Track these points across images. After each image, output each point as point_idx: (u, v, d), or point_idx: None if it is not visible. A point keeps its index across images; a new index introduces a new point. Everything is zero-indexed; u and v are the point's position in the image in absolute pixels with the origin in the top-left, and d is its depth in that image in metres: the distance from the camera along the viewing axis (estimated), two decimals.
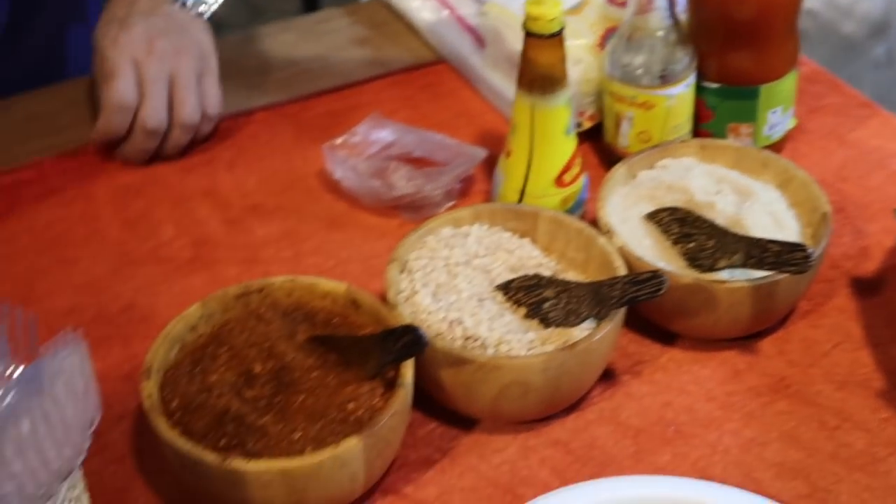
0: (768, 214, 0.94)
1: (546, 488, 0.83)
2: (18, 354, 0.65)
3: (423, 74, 1.29)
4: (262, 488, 0.76)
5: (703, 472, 0.86)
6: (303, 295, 0.89)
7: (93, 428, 0.63)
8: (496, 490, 0.86)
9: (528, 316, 0.88)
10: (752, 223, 0.93)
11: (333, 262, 1.05)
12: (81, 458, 0.62)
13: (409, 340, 0.78)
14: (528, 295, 0.89)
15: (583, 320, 0.87)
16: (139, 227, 1.10)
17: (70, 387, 0.60)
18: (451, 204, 1.08)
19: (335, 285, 0.88)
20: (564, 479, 0.86)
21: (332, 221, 1.10)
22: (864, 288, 1.02)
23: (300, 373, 0.82)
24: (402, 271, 0.91)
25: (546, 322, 0.88)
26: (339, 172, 1.09)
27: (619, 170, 1.00)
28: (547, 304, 0.88)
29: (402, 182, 1.06)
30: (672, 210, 0.94)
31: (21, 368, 0.63)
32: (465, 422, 0.90)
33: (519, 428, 0.90)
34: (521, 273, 0.91)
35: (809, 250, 0.85)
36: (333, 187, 1.13)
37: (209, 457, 0.75)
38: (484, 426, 0.90)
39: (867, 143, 1.17)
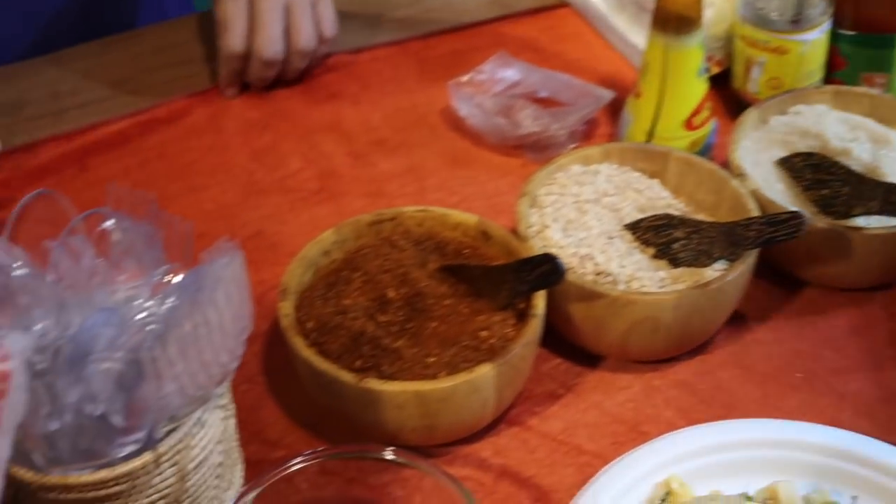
0: None
1: (670, 427, 0.84)
2: (176, 261, 0.67)
3: (546, 17, 1.28)
4: (396, 409, 0.77)
5: (831, 421, 0.85)
6: (434, 225, 0.90)
7: (246, 335, 0.65)
8: (620, 426, 0.86)
9: (658, 256, 0.88)
10: (889, 171, 0.92)
11: (457, 199, 1.06)
12: (236, 364, 0.64)
13: (547, 270, 0.78)
14: (657, 234, 0.89)
15: (714, 261, 0.86)
16: (266, 159, 1.12)
17: (228, 294, 0.62)
18: (574, 145, 1.08)
19: (466, 217, 0.89)
20: (689, 419, 0.86)
21: (456, 158, 1.11)
22: None
23: (433, 300, 0.83)
24: (532, 206, 0.91)
25: (675, 262, 0.88)
26: (465, 110, 1.10)
27: (751, 114, 0.99)
28: (677, 245, 0.88)
29: (529, 121, 1.06)
30: (806, 155, 0.93)
31: (181, 274, 0.65)
32: (590, 359, 0.91)
33: (644, 367, 0.90)
34: (650, 213, 0.91)
35: None
36: (457, 124, 1.14)
37: (346, 376, 0.77)
38: (608, 364, 0.91)
39: None
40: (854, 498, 0.78)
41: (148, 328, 0.62)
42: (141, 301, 0.64)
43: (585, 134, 1.11)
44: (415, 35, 1.26)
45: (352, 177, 1.10)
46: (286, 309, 0.82)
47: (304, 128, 1.16)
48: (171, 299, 0.64)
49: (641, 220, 0.90)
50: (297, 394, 0.88)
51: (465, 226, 0.89)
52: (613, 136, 1.09)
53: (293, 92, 1.19)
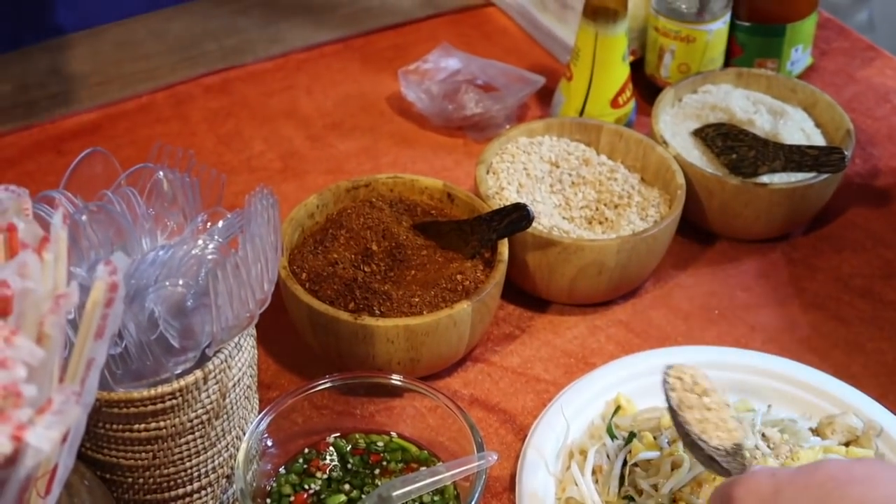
0: (800, 131, 1.09)
1: (613, 358, 0.98)
2: (210, 207, 0.77)
3: (474, 15, 1.42)
4: (387, 343, 0.89)
5: (745, 347, 1.01)
6: (403, 190, 1.02)
7: (278, 267, 0.76)
8: (570, 359, 1.00)
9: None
10: (786, 138, 1.08)
11: (410, 174, 1.18)
12: (271, 293, 0.75)
13: (517, 217, 0.91)
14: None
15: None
16: (232, 143, 1.23)
17: (267, 230, 0.73)
18: (508, 126, 1.21)
19: (433, 182, 1.02)
20: (628, 351, 1.00)
21: (404, 139, 1.24)
22: (873, 200, 1.17)
23: (412, 251, 0.96)
24: (487, 172, 1.05)
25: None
26: (412, 95, 1.23)
27: (669, 93, 1.14)
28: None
29: (472, 104, 1.19)
30: (717, 126, 1.09)
31: (219, 219, 0.76)
32: (540, 304, 1.04)
33: (587, 310, 1.04)
34: (588, 176, 1.05)
35: (845, 152, 1.00)
36: (402, 110, 1.26)
37: (344, 315, 0.89)
38: (556, 308, 1.04)
39: (872, 81, 1.32)
40: (769, 406, 0.93)
41: (207, 257, 0.72)
42: (189, 242, 0.74)
43: (519, 116, 1.25)
44: (357, 32, 1.38)
45: (312, 157, 1.22)
46: (282, 262, 0.93)
47: (263, 115, 1.27)
48: (219, 237, 0.75)
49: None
50: (285, 343, 0.99)
51: (432, 189, 1.02)
52: (544, 117, 1.22)
53: (250, 85, 1.30)
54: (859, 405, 0.92)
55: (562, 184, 1.05)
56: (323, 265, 0.95)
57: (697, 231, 1.12)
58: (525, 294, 1.04)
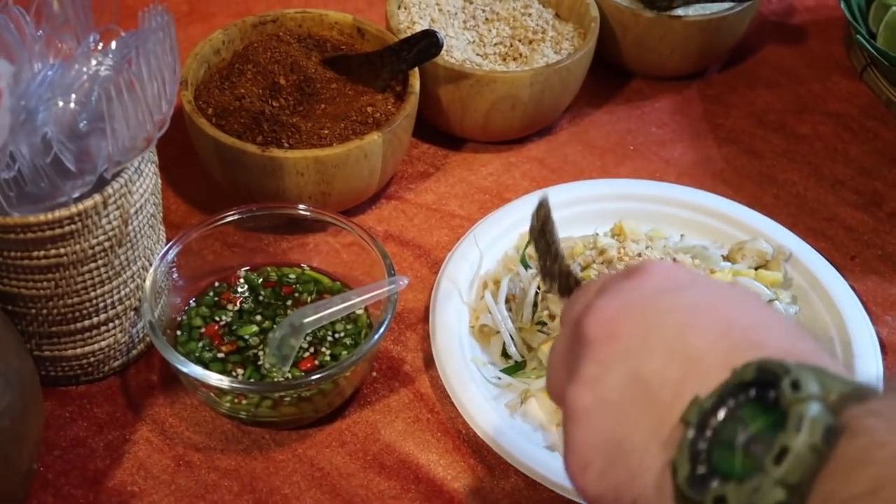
0: None
1: (527, 193, 0.97)
2: (104, 25, 0.74)
3: None
4: (297, 176, 0.87)
5: (660, 180, 1.01)
6: (312, 25, 0.99)
7: (178, 87, 0.73)
8: (485, 195, 0.99)
9: None
10: None
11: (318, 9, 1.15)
12: (170, 113, 0.73)
13: (427, 44, 0.89)
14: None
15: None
16: None
17: (163, 49, 0.70)
18: None
19: (342, 16, 0.99)
20: (543, 186, 0.99)
21: None
22: (788, 38, 1.17)
23: (321, 84, 0.93)
24: (398, 7, 1.02)
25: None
26: None
27: None
28: None
29: None
30: None
31: (113, 39, 0.73)
32: (454, 142, 1.03)
33: (501, 147, 1.03)
34: (501, 10, 1.03)
35: None
36: None
37: (251, 148, 0.87)
38: (471, 146, 1.03)
39: None
40: (682, 235, 0.94)
41: (100, 76, 0.70)
42: (80, 61, 0.71)
43: None
44: None
45: (219, 0, 1.18)
46: (188, 97, 0.91)
47: None
48: (113, 57, 0.72)
49: None
50: (193, 182, 0.97)
51: (342, 24, 0.99)
52: None
53: None
54: (769, 232, 0.93)
55: (475, 20, 1.03)
56: (230, 100, 0.92)
57: (613, 69, 1.11)
58: (439, 132, 1.03)
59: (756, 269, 0.90)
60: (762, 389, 0.46)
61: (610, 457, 0.50)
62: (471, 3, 1.04)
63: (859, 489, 0.41)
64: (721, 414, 0.46)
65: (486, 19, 1.03)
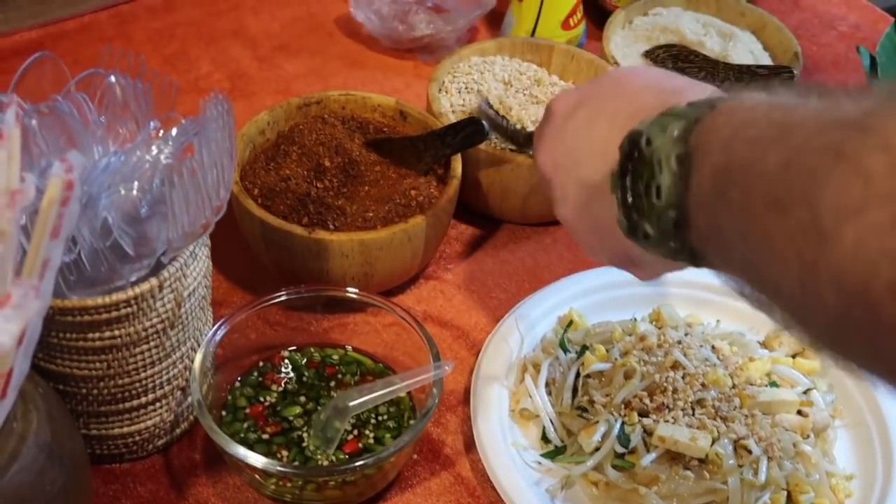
0: (749, 53, 1.10)
1: (564, 275, 0.98)
2: (162, 113, 0.76)
3: None
4: (342, 257, 0.89)
5: None
6: (355, 108, 1.01)
7: (234, 176, 0.75)
8: (523, 276, 1.01)
9: None
10: (736, 59, 1.09)
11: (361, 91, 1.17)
12: (226, 201, 0.74)
13: (472, 131, 0.91)
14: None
15: None
16: (178, 63, 1.21)
17: (223, 136, 0.72)
18: (457, 48, 1.21)
19: (384, 99, 1.01)
20: (580, 269, 1.00)
21: (354, 61, 1.22)
22: None
23: (365, 166, 0.95)
24: (439, 91, 1.04)
25: None
26: (362, 16, 1.21)
27: (620, 15, 1.14)
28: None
29: (423, 24, 1.18)
30: (667, 47, 1.09)
31: (173, 126, 0.75)
32: (492, 223, 1.05)
33: (539, 230, 1.05)
34: (540, 95, 1.05)
35: (794, 69, 1.01)
36: (351, 31, 1.25)
37: (297, 229, 0.88)
38: (509, 228, 1.05)
39: (818, 8, 1.33)
40: (718, 321, 0.95)
41: (161, 163, 0.71)
42: (142, 148, 0.73)
43: (469, 38, 1.24)
44: None
45: (260, 78, 1.20)
46: (234, 178, 0.92)
47: (209, 36, 1.24)
48: (173, 143, 0.74)
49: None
50: (239, 262, 0.99)
51: (384, 107, 1.01)
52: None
53: (194, 5, 1.28)
54: None
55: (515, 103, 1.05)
56: (275, 181, 0.94)
57: None
58: (479, 214, 1.04)
59: (794, 356, 0.91)
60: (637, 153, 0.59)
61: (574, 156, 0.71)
62: (510, 86, 1.06)
63: (717, 159, 0.52)
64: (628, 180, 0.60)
65: (525, 103, 1.05)
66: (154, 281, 0.73)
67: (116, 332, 0.73)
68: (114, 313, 0.72)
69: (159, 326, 0.75)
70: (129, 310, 0.73)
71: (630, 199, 0.60)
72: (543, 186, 0.76)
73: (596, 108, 0.70)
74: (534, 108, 1.04)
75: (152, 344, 0.76)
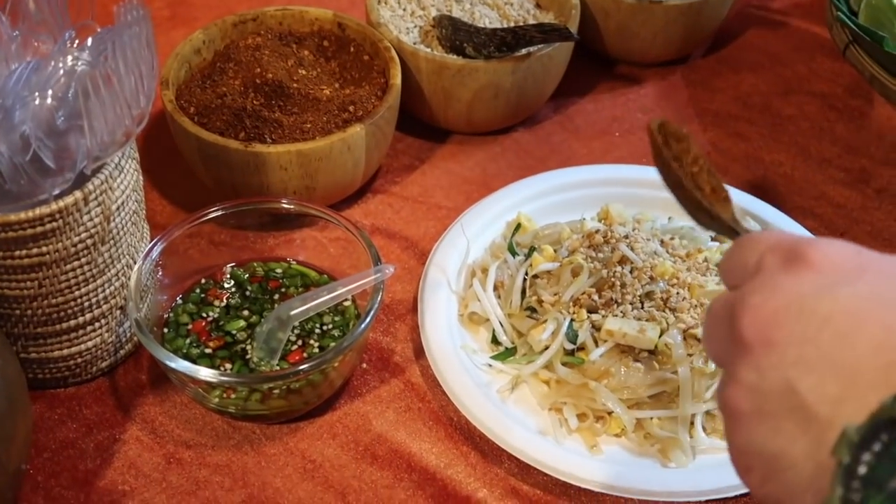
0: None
1: (512, 181, 0.97)
2: (80, 21, 0.74)
3: None
4: (280, 170, 0.87)
5: (646, 165, 1.01)
6: (293, 23, 0.99)
7: (157, 81, 0.73)
8: (471, 185, 0.99)
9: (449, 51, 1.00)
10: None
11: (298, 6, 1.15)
12: (149, 108, 0.72)
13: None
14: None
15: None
16: None
17: (140, 44, 0.70)
18: None
19: (322, 12, 0.99)
20: (529, 175, 0.99)
21: None
22: (770, 22, 1.17)
23: (302, 82, 0.93)
24: (378, 2, 1.02)
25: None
26: None
27: None
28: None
29: None
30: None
31: (88, 36, 0.73)
32: (439, 135, 1.03)
33: (486, 138, 1.03)
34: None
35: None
36: None
37: (234, 144, 0.86)
38: (455, 138, 1.03)
39: None
40: (669, 218, 0.93)
41: (76, 71, 0.69)
42: (57, 58, 0.71)
43: None
44: None
45: (200, 3, 1.17)
46: (169, 96, 0.90)
47: None
48: (90, 52, 0.72)
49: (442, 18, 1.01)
50: (179, 184, 0.97)
51: (322, 20, 0.99)
52: None
53: None
54: (757, 211, 0.93)
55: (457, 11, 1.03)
56: (211, 98, 0.92)
57: (596, 57, 1.10)
58: (424, 125, 1.02)
59: None
60: None
61: (769, 467, 0.49)
62: None
63: None
64: (876, 447, 0.43)
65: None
66: (78, 194, 0.71)
67: (44, 249, 0.72)
68: (38, 228, 0.71)
69: (89, 242, 0.74)
70: (54, 224, 0.71)
71: (863, 471, 0.43)
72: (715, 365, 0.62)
73: (881, 289, 0.48)
74: (481, 8, 1.02)
75: (84, 260, 0.74)
